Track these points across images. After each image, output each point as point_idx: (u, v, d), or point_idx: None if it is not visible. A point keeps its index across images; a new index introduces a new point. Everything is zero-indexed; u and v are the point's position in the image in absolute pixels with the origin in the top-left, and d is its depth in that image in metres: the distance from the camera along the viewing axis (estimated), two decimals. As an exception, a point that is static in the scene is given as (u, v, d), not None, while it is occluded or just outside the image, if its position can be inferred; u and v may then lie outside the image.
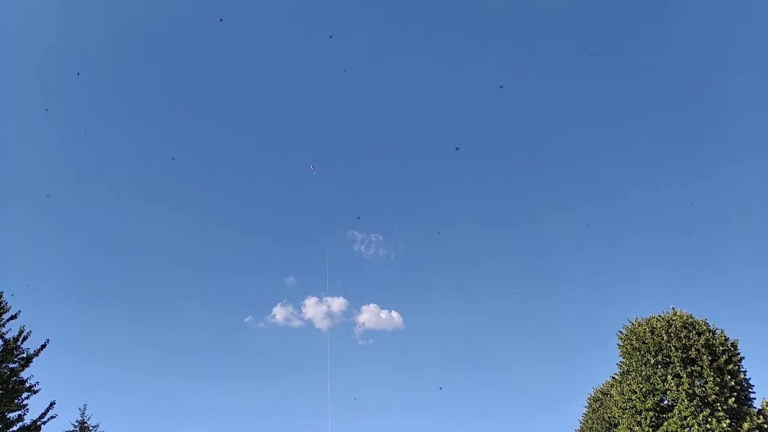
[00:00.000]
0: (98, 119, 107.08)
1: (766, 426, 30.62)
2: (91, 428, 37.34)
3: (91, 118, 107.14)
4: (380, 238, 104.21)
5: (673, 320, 34.23)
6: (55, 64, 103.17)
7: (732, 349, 32.57)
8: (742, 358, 32.66)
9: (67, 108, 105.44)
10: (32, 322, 24.87)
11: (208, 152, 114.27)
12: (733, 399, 30.57)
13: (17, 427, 24.16)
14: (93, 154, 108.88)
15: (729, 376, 31.42)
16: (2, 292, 24.22)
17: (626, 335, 36.17)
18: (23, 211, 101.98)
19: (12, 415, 24.16)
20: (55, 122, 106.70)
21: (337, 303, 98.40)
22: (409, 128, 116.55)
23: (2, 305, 23.79)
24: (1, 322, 23.54)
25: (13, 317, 24.01)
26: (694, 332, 33.06)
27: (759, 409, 31.70)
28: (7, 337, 23.86)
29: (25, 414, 24.37)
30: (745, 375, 32.57)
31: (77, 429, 37.09)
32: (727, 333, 33.44)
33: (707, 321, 33.97)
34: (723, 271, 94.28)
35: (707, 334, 32.81)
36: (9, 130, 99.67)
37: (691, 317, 34.21)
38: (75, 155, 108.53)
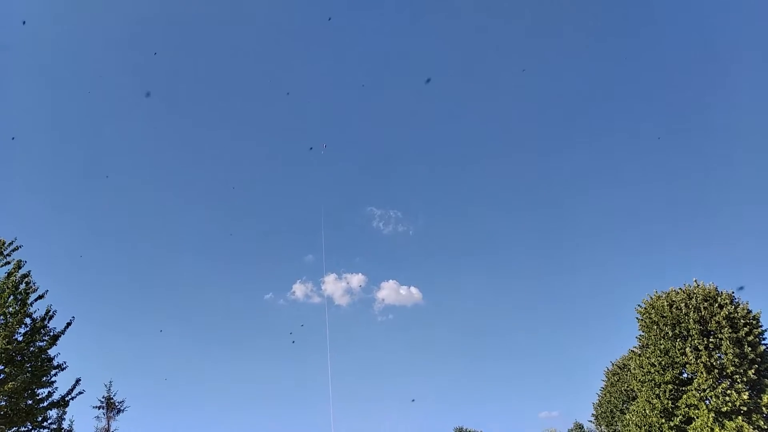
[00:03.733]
0: (132, 120, 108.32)
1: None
2: (117, 404, 38.16)
3: (126, 119, 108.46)
4: (399, 214, 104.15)
5: (694, 293, 34.00)
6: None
7: (754, 322, 32.32)
8: (764, 331, 32.43)
9: (102, 110, 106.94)
10: (59, 302, 25.38)
11: (225, 134, 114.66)
12: (753, 371, 30.48)
13: (47, 403, 24.77)
14: (127, 150, 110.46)
15: (749, 348, 31.28)
16: (30, 272, 24.47)
17: (645, 309, 36.09)
18: (58, 199, 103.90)
19: (42, 392, 24.77)
20: (83, 124, 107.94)
21: (356, 279, 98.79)
22: (427, 107, 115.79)
23: (30, 285, 24.08)
24: (29, 302, 23.87)
25: (40, 297, 24.33)
26: (716, 305, 32.84)
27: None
28: (35, 316, 24.27)
29: (54, 391, 24.99)
30: (767, 348, 32.36)
31: (104, 405, 37.92)
32: (750, 305, 33.23)
33: (733, 294, 33.70)
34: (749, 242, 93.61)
35: (729, 307, 32.56)
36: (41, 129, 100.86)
37: (716, 290, 33.96)
38: (114, 151, 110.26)
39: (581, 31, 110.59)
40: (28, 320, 23.94)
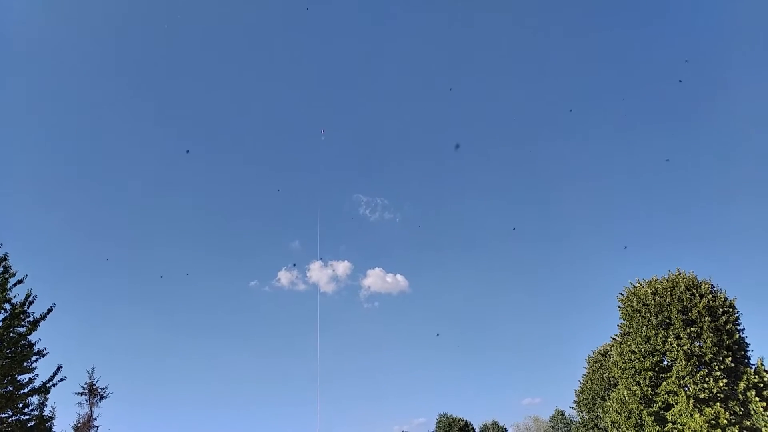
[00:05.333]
0: (114, 115, 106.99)
1: (761, 385, 31.12)
2: (100, 390, 37.87)
3: (109, 114, 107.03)
4: (385, 201, 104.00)
5: (677, 282, 34.41)
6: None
7: (730, 309, 32.85)
8: (739, 315, 33.05)
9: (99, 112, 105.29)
10: (43, 288, 24.98)
11: (210, 122, 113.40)
12: (729, 358, 31.01)
13: (28, 389, 24.54)
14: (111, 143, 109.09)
15: (726, 336, 31.82)
16: (6, 254, 24.05)
17: (627, 297, 36.43)
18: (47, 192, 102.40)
19: (22, 378, 24.52)
20: (73, 124, 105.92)
21: (342, 267, 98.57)
22: (416, 96, 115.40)
23: (8, 269, 23.72)
24: (8, 287, 23.54)
25: (19, 282, 24.01)
26: (697, 294, 33.31)
27: (755, 368, 32.20)
28: (14, 301, 23.94)
29: (35, 377, 24.74)
30: (742, 334, 32.92)
31: (86, 391, 37.62)
32: (727, 292, 33.82)
33: (711, 282, 34.22)
34: (726, 227, 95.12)
35: (709, 296, 33.06)
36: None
37: (696, 279, 34.39)
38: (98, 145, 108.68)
39: (569, 25, 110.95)
40: (7, 305, 23.61)
